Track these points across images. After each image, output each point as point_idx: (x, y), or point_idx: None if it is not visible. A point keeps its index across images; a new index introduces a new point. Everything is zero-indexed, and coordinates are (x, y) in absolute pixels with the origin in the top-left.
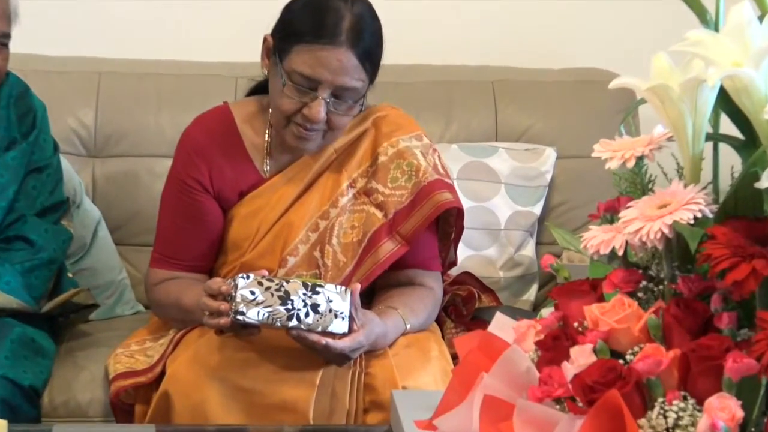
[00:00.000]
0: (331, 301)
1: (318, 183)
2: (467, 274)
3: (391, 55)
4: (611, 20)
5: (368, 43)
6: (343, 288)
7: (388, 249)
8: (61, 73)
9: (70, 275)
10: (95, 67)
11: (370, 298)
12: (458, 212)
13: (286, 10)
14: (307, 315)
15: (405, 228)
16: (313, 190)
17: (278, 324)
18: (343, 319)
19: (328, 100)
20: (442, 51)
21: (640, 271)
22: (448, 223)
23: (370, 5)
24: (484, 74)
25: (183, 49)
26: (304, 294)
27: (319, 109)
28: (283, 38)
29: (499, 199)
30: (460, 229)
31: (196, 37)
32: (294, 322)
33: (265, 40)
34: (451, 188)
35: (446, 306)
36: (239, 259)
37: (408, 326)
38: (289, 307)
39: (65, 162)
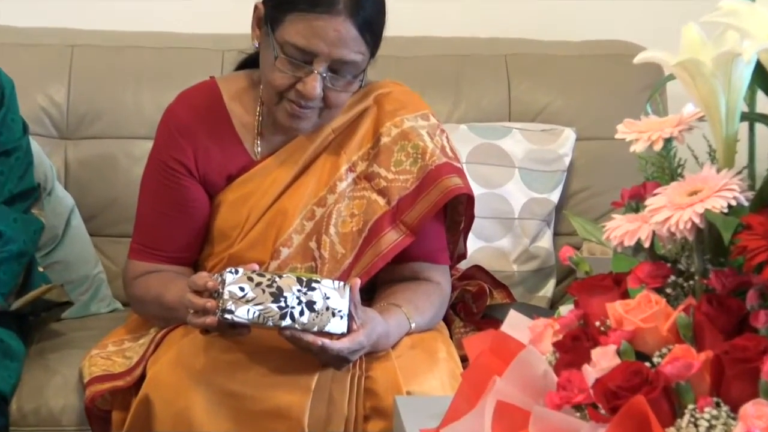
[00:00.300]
0: (328, 298)
1: (314, 166)
2: (477, 268)
3: (393, 27)
4: None
5: (369, 11)
6: (342, 283)
7: (392, 239)
8: (30, 46)
9: (40, 269)
10: (67, 40)
11: (371, 293)
12: (468, 199)
13: None
14: (302, 313)
15: (410, 216)
16: (309, 174)
17: (270, 323)
18: (341, 317)
19: (324, 74)
20: (450, 21)
21: (669, 265)
22: (457, 212)
23: None
24: (496, 47)
25: (164, 19)
26: (299, 290)
27: (314, 85)
28: (276, 6)
29: (512, 185)
30: (471, 218)
31: (178, 7)
32: (287, 321)
33: (256, 8)
34: (460, 173)
35: (454, 303)
36: (227, 250)
37: (413, 325)
38: (282, 304)
39: (35, 144)
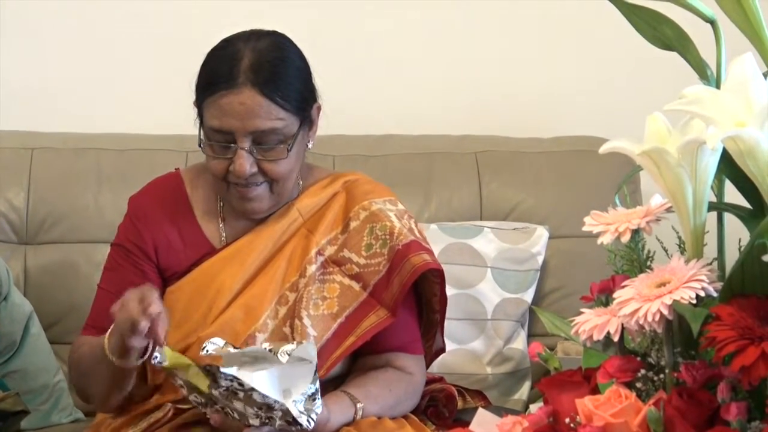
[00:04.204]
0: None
1: (284, 250)
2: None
3: (361, 126)
4: (606, 83)
5: (274, 75)
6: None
7: (371, 322)
8: None
9: None
10: (26, 143)
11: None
12: (441, 280)
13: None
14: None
15: (387, 297)
16: (280, 259)
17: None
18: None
19: (250, 149)
20: (419, 120)
21: (639, 359)
22: (432, 292)
23: (279, 36)
24: (467, 145)
25: (125, 121)
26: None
27: (242, 162)
28: (196, 100)
29: (485, 285)
30: (444, 301)
31: (140, 108)
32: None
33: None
34: (429, 251)
35: (426, 408)
36: (197, 332)
37: (359, 406)
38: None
39: None
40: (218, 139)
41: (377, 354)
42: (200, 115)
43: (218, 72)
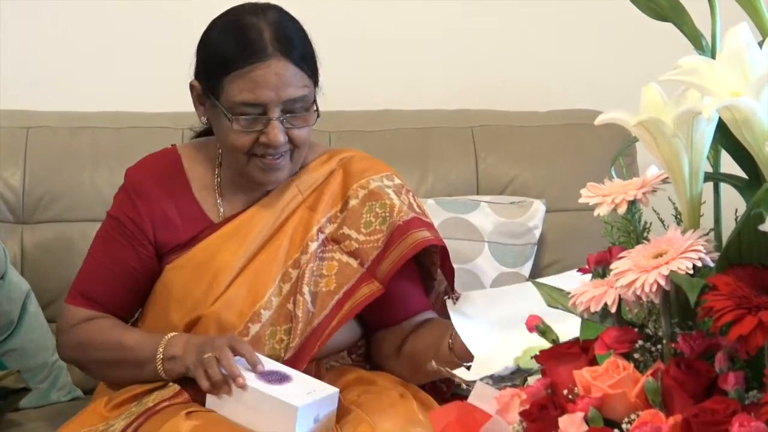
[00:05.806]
0: None
1: (286, 227)
2: None
3: (357, 101)
4: (601, 55)
5: (297, 43)
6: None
7: (363, 293)
8: None
9: None
10: (22, 122)
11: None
12: (443, 254)
13: (202, 46)
14: None
15: (380, 270)
16: (280, 236)
17: None
18: None
19: (281, 118)
20: (416, 94)
21: (636, 330)
22: (435, 268)
23: (280, 8)
24: (463, 119)
25: (122, 98)
26: None
27: (276, 132)
28: (210, 77)
29: (482, 259)
30: (451, 272)
31: (136, 85)
32: None
33: (192, 87)
34: (430, 227)
35: (423, 383)
36: (197, 311)
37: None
38: None
39: None
40: (249, 112)
41: (408, 318)
42: (215, 91)
43: (245, 45)
